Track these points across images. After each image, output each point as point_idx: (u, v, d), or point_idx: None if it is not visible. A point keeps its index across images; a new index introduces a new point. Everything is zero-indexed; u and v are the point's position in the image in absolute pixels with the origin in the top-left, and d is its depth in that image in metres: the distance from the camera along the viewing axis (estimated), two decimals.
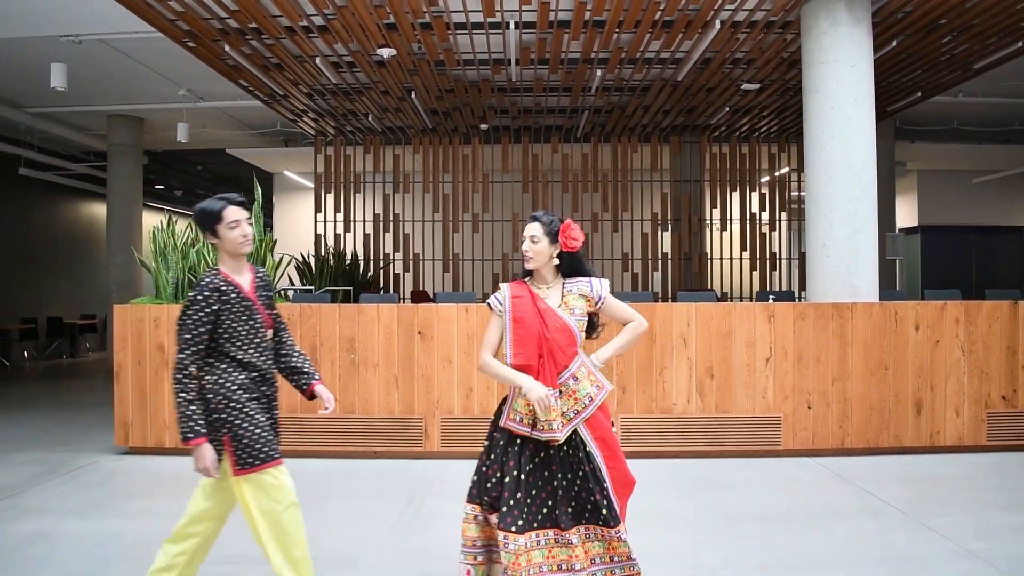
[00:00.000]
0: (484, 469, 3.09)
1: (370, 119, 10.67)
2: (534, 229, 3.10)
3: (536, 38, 7.48)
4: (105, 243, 13.38)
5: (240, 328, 2.97)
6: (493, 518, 2.99)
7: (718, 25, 7.06)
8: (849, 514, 4.60)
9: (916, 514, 4.55)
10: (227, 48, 7.46)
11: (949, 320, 6.11)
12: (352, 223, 11.96)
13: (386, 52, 7.46)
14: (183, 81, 10.11)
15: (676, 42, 7.61)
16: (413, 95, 9.35)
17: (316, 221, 11.95)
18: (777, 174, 12.09)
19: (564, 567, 2.94)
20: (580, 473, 3.00)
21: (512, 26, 7.08)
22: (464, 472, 5.55)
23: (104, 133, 12.67)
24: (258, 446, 2.93)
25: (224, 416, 2.92)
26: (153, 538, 4.11)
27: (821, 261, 6.43)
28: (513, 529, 2.91)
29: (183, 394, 2.84)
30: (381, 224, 11.92)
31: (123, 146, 12.42)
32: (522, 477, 2.98)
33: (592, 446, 3.03)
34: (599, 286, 3.16)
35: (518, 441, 3.03)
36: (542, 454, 3.03)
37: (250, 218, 3.05)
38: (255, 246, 6.37)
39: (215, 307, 2.90)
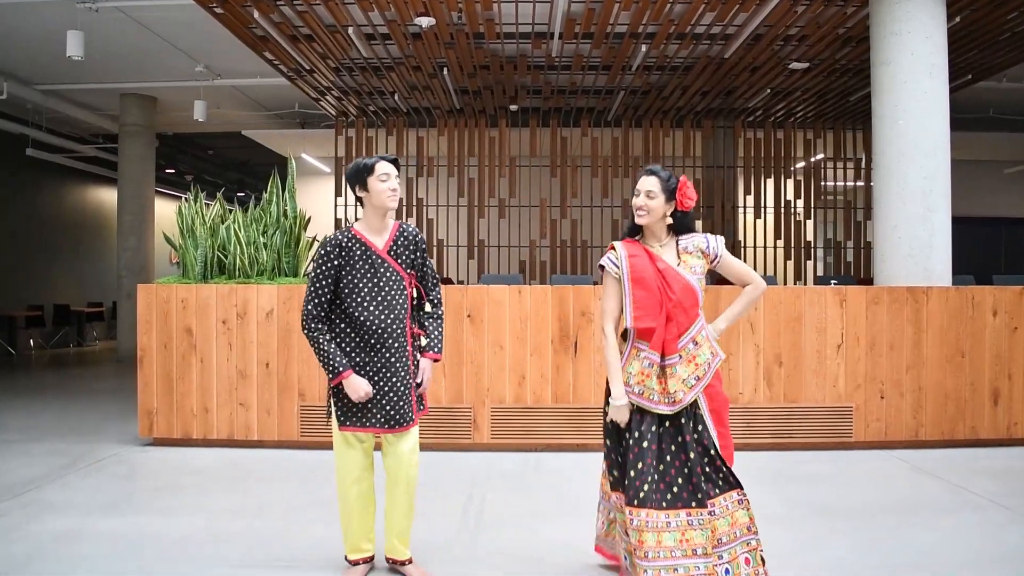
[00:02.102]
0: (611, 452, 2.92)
1: (396, 98, 10.26)
2: (651, 184, 2.84)
3: (584, 8, 7.06)
4: (115, 229, 12.97)
5: (362, 284, 3.02)
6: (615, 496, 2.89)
7: None
8: (948, 509, 4.24)
9: (1020, 508, 4.19)
10: (256, 15, 7.03)
11: None
12: None
13: (424, 21, 7.04)
14: (201, 56, 9.70)
15: (731, 15, 7.20)
16: (445, 72, 8.95)
17: (336, 205, 11.55)
18: (813, 160, 11.69)
19: (699, 552, 2.64)
20: (697, 446, 2.78)
21: None
22: (518, 466, 5.21)
23: (116, 113, 12.25)
24: (343, 409, 3.08)
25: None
26: (188, 537, 3.73)
27: (893, 243, 6.03)
28: (636, 503, 2.68)
29: (317, 337, 3.00)
30: (404, 209, 11.51)
31: (135, 126, 11.99)
32: (651, 447, 2.73)
33: (707, 418, 2.80)
34: (715, 243, 2.92)
35: (639, 412, 2.80)
36: (667, 423, 2.78)
37: (397, 175, 3.08)
38: (288, 223, 5.97)
39: (335, 261, 3.01)
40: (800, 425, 5.61)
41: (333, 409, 3.11)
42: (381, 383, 3.03)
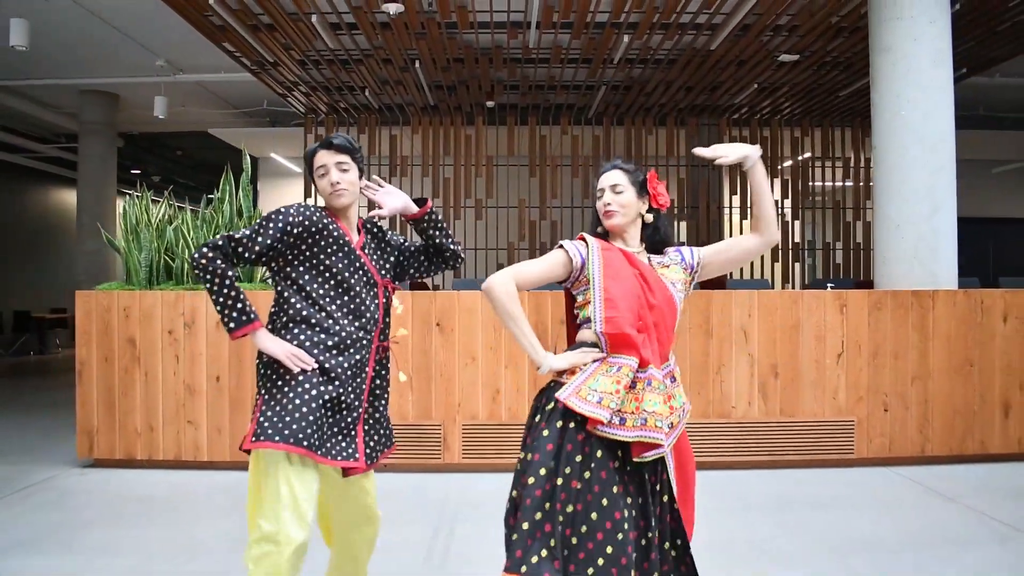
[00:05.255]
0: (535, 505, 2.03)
1: (367, 94, 9.77)
2: (616, 177, 2.27)
3: None
4: (75, 230, 12.40)
5: (327, 275, 2.36)
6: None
7: None
8: (972, 540, 3.79)
9: None
10: (211, 1, 6.53)
11: None
12: None
13: (392, 8, 6.56)
14: (161, 50, 9.19)
15: (718, 2, 6.78)
16: (417, 65, 8.47)
17: None
18: (800, 159, 11.31)
19: None
20: (657, 512, 2.15)
21: None
22: (494, 489, 4.71)
23: (75, 112, 11.69)
24: (287, 419, 2.21)
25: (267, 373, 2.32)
26: None
27: (895, 244, 5.62)
28: None
29: (220, 271, 2.22)
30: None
31: (95, 124, 11.45)
32: (614, 506, 2.02)
33: (672, 476, 2.22)
34: (691, 251, 2.31)
35: (585, 449, 2.06)
36: (628, 468, 2.10)
37: (343, 163, 2.43)
38: (242, 224, 5.48)
39: (297, 231, 2.30)
40: (798, 441, 5.19)
41: (262, 418, 2.23)
42: (336, 398, 2.31)
